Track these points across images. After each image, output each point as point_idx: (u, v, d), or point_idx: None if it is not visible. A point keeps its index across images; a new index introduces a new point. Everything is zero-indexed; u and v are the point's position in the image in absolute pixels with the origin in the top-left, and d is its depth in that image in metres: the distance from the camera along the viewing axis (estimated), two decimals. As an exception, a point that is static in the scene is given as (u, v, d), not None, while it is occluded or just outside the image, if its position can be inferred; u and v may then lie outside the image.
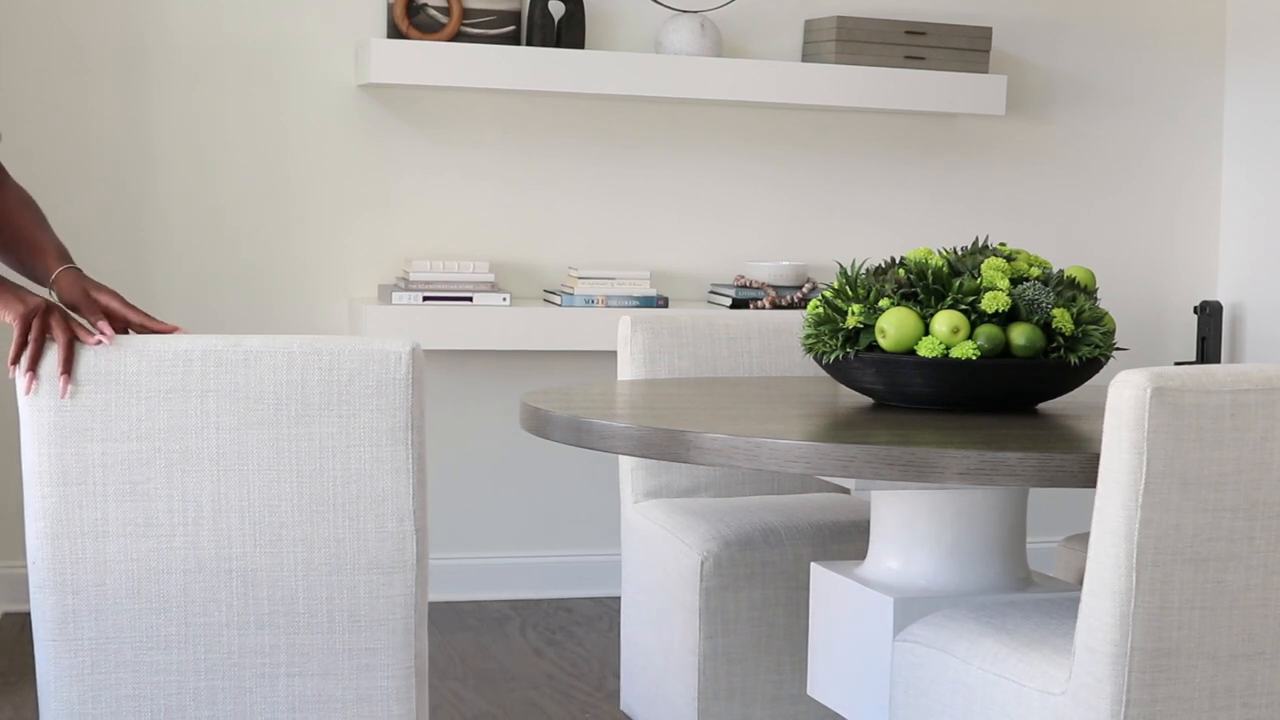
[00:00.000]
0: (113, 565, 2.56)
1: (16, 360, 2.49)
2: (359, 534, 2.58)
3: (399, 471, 2.58)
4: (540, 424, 2.90)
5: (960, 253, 3.01)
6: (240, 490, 2.56)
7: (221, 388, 2.53)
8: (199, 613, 2.58)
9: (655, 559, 3.47)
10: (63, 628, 2.58)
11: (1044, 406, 3.07)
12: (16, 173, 4.57)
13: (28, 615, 4.64)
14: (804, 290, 4.91)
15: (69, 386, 2.49)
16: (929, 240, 5.29)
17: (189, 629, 2.58)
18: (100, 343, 2.49)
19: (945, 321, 2.85)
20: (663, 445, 2.66)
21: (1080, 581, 3.20)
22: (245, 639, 2.59)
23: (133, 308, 2.62)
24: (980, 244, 3.06)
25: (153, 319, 2.62)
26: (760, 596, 3.31)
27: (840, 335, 2.94)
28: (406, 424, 2.58)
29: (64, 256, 2.69)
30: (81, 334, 2.50)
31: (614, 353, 5.00)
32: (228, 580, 2.58)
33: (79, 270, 2.66)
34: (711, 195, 5.10)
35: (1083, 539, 3.28)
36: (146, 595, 2.57)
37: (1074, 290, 2.96)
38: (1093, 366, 2.92)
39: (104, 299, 2.61)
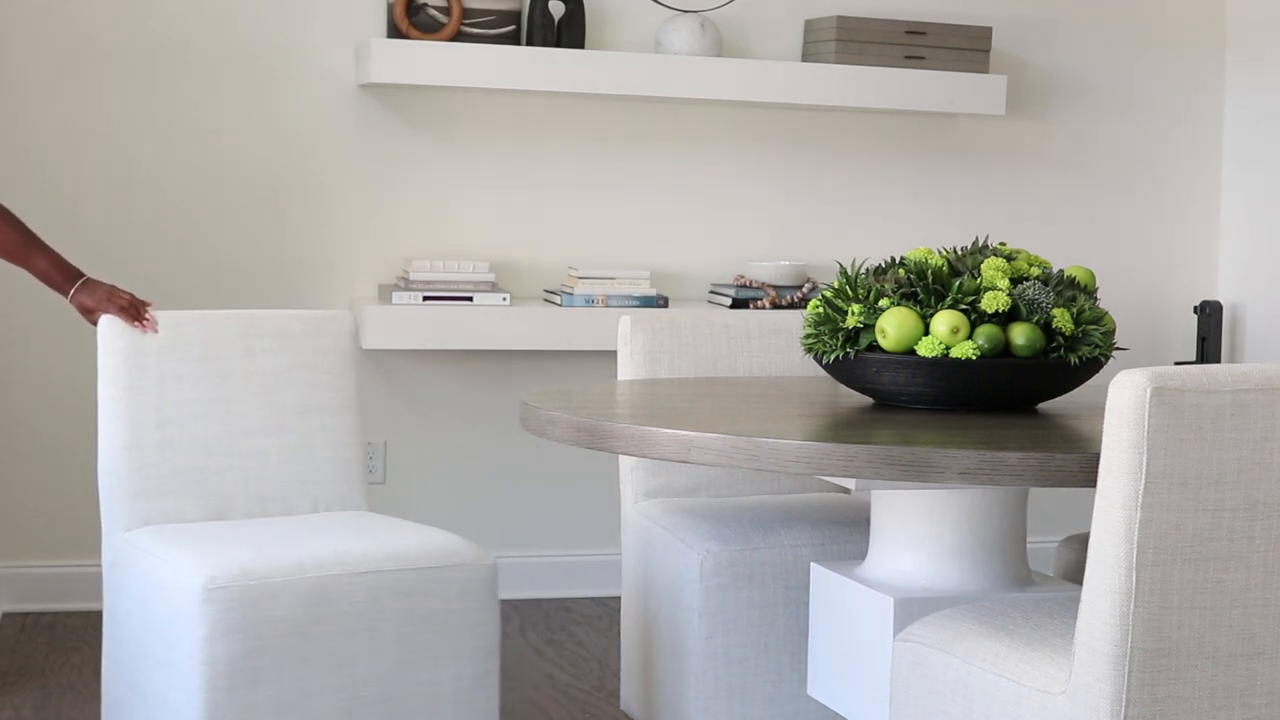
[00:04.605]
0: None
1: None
2: None
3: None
4: (540, 424, 2.90)
5: (960, 253, 3.01)
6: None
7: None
8: None
9: (655, 559, 3.47)
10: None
11: (1044, 406, 3.07)
12: (19, 172, 4.57)
13: (27, 615, 4.64)
14: (804, 290, 4.91)
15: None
16: (929, 240, 5.29)
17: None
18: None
19: (945, 321, 2.85)
20: (663, 445, 2.66)
21: (1080, 581, 3.20)
22: None
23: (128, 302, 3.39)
24: (980, 244, 3.06)
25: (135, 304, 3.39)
26: (760, 596, 3.31)
27: (840, 335, 2.94)
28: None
29: (69, 273, 3.36)
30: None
31: (614, 353, 5.00)
32: None
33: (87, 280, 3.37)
34: (711, 195, 5.10)
35: (1082, 539, 3.28)
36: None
37: (1074, 290, 2.96)
38: (1093, 366, 2.92)
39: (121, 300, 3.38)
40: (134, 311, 3.35)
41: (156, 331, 3.37)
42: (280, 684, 2.98)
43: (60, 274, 3.33)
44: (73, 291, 3.34)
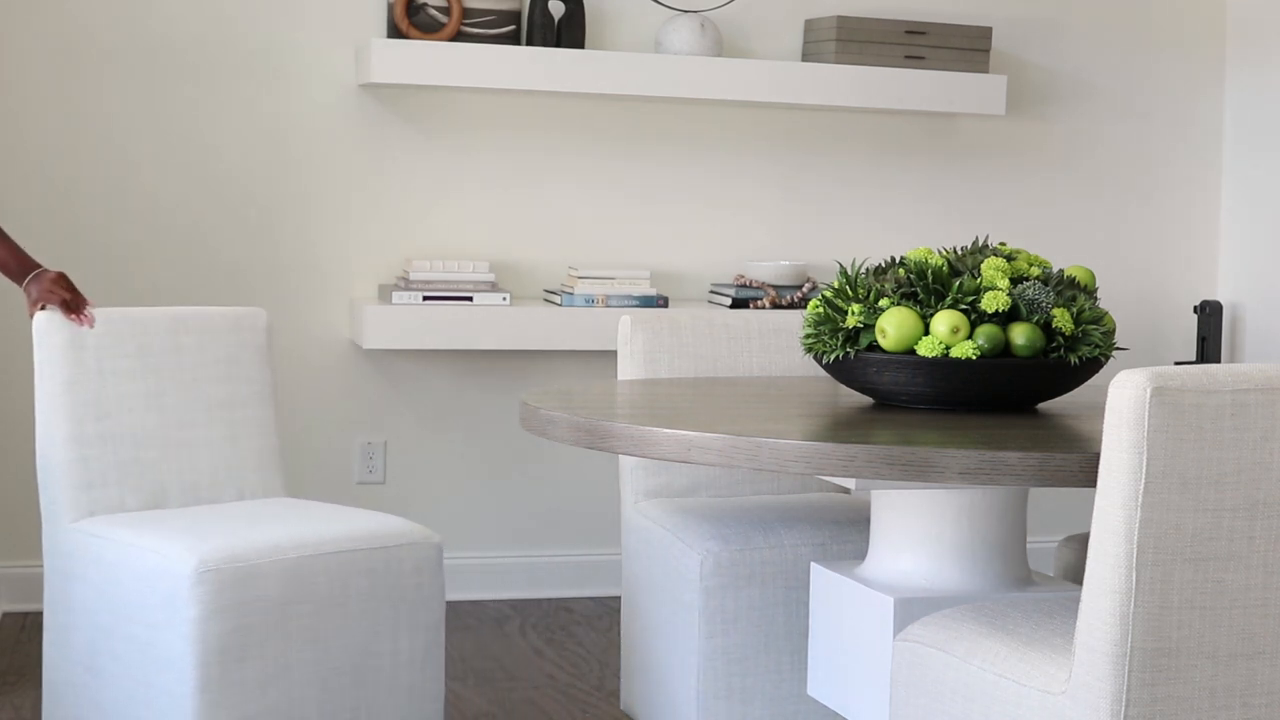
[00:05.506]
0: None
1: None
2: None
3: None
4: (540, 424, 2.90)
5: (960, 253, 3.01)
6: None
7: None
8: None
9: (655, 559, 3.47)
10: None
11: (1044, 406, 3.07)
12: (18, 172, 4.57)
13: (27, 615, 4.65)
14: (804, 290, 4.91)
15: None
16: (929, 240, 5.29)
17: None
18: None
19: (945, 321, 2.85)
20: (663, 445, 2.66)
21: (1080, 581, 3.20)
22: None
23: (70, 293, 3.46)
24: (980, 244, 3.06)
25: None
26: (760, 596, 3.32)
27: (840, 335, 2.94)
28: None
29: (26, 265, 3.44)
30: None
31: (614, 353, 5.00)
32: None
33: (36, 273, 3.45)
34: (711, 195, 5.10)
35: (1082, 539, 3.28)
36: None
37: (1074, 290, 2.96)
38: (1093, 366, 2.92)
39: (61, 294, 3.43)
40: (73, 305, 3.44)
41: (92, 326, 3.47)
42: (265, 659, 3.16)
43: (16, 263, 3.44)
44: (26, 282, 3.44)
